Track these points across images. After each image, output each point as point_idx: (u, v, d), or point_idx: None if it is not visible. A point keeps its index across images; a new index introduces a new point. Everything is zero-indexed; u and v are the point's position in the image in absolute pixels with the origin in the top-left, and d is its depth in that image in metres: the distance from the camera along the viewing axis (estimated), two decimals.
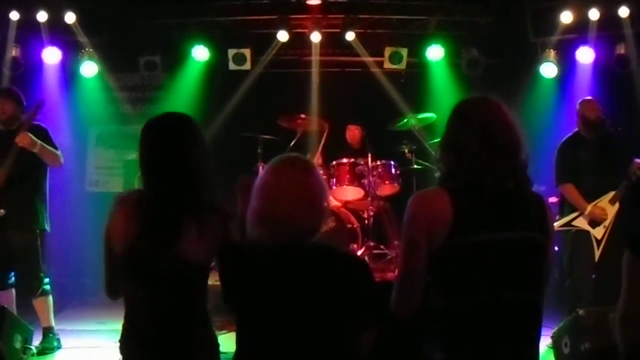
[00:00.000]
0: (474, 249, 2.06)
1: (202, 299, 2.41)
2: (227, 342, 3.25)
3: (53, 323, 4.96)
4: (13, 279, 4.89)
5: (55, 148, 4.96)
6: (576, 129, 5.29)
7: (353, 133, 7.37)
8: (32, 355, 4.62)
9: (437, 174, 2.24)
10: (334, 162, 6.73)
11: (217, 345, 2.47)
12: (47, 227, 5.00)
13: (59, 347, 4.94)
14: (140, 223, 2.31)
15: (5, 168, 4.72)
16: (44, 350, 4.80)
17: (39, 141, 4.78)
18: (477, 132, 2.11)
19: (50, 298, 4.95)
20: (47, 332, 4.91)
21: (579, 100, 5.37)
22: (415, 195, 2.23)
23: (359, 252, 6.36)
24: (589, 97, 5.50)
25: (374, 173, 6.64)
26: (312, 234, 2.14)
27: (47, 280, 4.93)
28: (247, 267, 2.15)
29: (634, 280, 1.88)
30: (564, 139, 5.32)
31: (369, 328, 2.10)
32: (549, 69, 7.30)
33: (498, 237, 2.08)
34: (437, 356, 2.13)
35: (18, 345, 4.42)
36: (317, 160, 7.00)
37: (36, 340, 4.79)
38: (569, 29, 7.13)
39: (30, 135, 4.72)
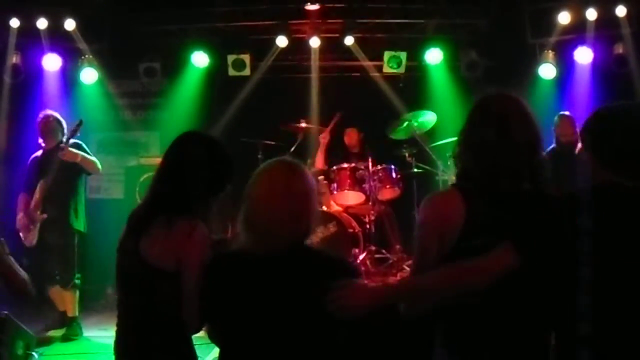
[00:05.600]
0: (484, 250, 2.01)
1: (173, 306, 2.28)
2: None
3: (77, 313, 5.65)
4: (78, 281, 5.62)
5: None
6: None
7: (351, 137, 7.38)
8: None
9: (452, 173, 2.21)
10: (335, 167, 6.74)
11: (194, 355, 2.41)
12: (84, 229, 5.71)
13: (81, 334, 5.58)
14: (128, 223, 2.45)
15: (48, 180, 5.43)
16: (68, 336, 5.50)
17: (80, 152, 5.52)
18: (494, 126, 2.07)
19: (78, 292, 5.65)
20: (72, 321, 5.60)
21: (557, 116, 6.01)
22: (428, 198, 2.20)
23: (361, 257, 6.36)
24: (566, 116, 6.04)
25: (375, 177, 6.64)
26: (295, 238, 2.10)
27: (78, 275, 5.60)
28: (232, 275, 2.12)
29: None
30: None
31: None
32: (547, 70, 7.31)
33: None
34: None
35: (20, 351, 4.47)
36: (316, 165, 7.01)
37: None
38: (567, 29, 7.15)
39: (72, 149, 5.45)
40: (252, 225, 2.09)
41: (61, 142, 5.54)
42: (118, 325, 2.44)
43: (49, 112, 5.77)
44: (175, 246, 2.27)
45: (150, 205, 2.39)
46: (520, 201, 2.05)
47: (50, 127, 5.64)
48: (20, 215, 5.54)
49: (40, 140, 5.71)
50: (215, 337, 2.23)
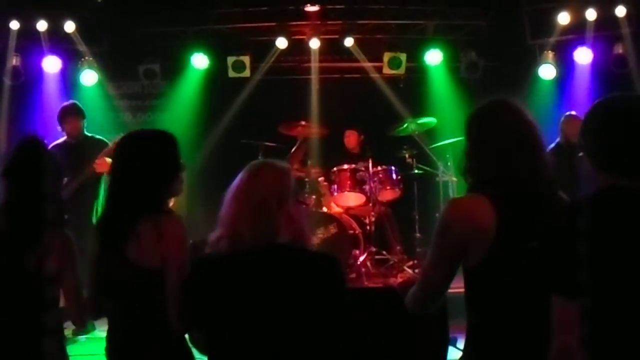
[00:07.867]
0: (522, 257, 1.90)
1: (164, 306, 2.29)
2: None
3: None
4: None
5: None
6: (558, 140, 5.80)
7: (350, 138, 7.38)
8: None
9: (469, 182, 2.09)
10: (335, 169, 6.73)
11: (190, 355, 2.39)
12: None
13: (93, 329, 5.59)
14: (98, 231, 2.38)
15: (78, 181, 5.58)
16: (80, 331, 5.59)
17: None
18: (510, 134, 2.03)
19: None
20: None
21: (564, 116, 5.88)
22: (453, 201, 2.12)
23: (361, 258, 6.36)
24: (573, 116, 5.84)
25: (375, 179, 6.64)
26: (265, 238, 2.06)
27: None
28: (209, 276, 2.10)
29: None
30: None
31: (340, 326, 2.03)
32: (547, 71, 7.32)
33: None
34: None
35: None
36: (295, 165, 6.85)
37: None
38: (567, 30, 7.15)
39: (108, 160, 5.48)
40: (223, 226, 2.09)
41: (86, 136, 5.78)
42: (112, 331, 2.41)
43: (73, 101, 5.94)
44: (161, 245, 2.27)
45: (121, 208, 2.35)
46: (543, 204, 1.98)
47: (75, 113, 5.72)
48: None
49: (61, 130, 5.75)
50: (199, 343, 2.22)
